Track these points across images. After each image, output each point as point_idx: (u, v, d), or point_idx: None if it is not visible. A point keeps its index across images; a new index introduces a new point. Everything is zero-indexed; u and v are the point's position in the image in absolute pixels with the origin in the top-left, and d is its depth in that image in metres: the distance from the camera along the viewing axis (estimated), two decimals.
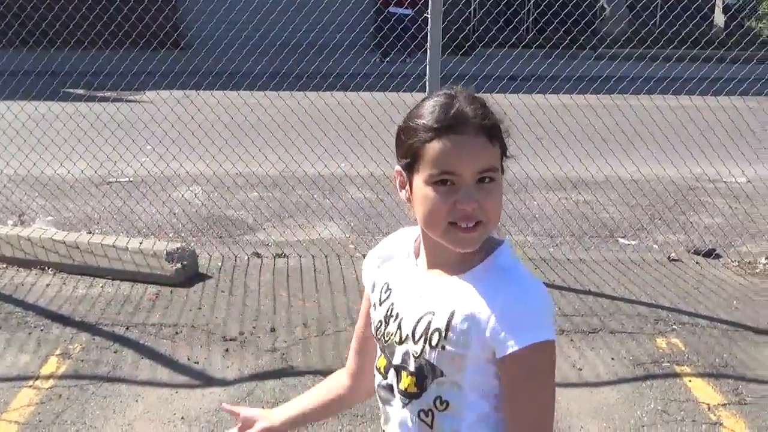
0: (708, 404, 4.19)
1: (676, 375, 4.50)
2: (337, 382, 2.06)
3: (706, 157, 7.66)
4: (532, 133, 7.68)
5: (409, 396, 1.75)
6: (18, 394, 4.18)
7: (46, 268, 5.92)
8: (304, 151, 7.82)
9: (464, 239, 1.65)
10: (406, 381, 1.75)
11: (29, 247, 6.03)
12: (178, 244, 6.01)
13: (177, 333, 4.93)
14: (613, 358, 4.67)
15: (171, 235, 6.78)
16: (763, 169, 7.50)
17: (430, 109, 1.67)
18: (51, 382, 4.32)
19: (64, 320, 5.09)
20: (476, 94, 1.71)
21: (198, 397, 4.22)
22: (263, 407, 4.07)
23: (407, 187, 1.73)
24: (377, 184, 7.60)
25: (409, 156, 1.69)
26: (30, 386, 4.27)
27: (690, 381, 4.43)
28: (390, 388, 1.80)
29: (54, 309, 5.26)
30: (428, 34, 5.54)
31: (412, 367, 1.73)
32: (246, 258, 6.26)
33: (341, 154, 7.72)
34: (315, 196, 7.77)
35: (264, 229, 7.03)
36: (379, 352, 1.85)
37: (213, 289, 5.64)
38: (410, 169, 1.70)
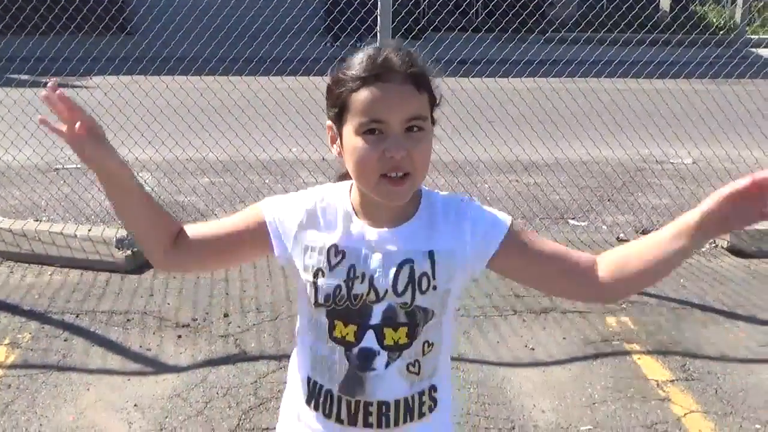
0: (657, 381, 4.26)
1: (626, 353, 4.57)
2: (178, 224, 1.86)
3: (653, 139, 7.79)
4: (483, 117, 7.74)
5: (399, 348, 1.75)
6: None
7: None
8: (255, 136, 7.77)
9: (394, 192, 1.68)
10: (395, 335, 1.74)
11: None
12: (128, 231, 5.94)
13: (128, 320, 4.88)
14: (564, 338, 4.73)
15: (120, 222, 6.68)
16: (708, 149, 7.64)
17: (358, 60, 1.69)
18: (0, 371, 4.26)
19: (12, 309, 5.00)
20: (404, 46, 1.72)
21: (151, 384, 4.18)
22: (217, 393, 4.07)
23: (338, 141, 1.74)
24: (329, 168, 7.57)
25: (338, 105, 1.70)
26: None
27: (639, 358, 4.50)
28: (367, 351, 1.76)
29: (1, 298, 5.16)
30: (378, 17, 5.53)
31: (402, 319, 1.74)
32: None
33: (292, 138, 7.69)
34: (266, 180, 7.73)
35: (215, 214, 6.97)
36: (329, 320, 1.78)
37: (165, 276, 5.57)
38: (339, 120, 1.71)
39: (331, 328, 1.77)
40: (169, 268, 1.85)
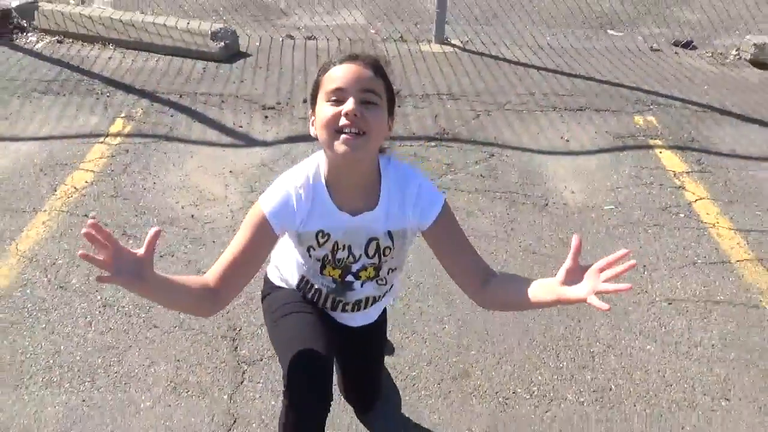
0: (674, 171, 4.22)
1: (649, 147, 4.50)
2: (203, 281, 1.75)
3: None
4: None
5: (371, 278, 1.99)
6: (92, 149, 4.23)
7: (107, 43, 5.81)
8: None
9: (348, 142, 1.68)
10: (367, 273, 1.96)
11: (90, 24, 5.88)
12: (221, 26, 5.85)
13: (223, 101, 4.91)
14: (596, 132, 4.65)
15: (214, 17, 6.59)
16: None
17: (333, 57, 1.79)
18: (119, 139, 4.36)
19: (126, 88, 5.06)
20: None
21: (243, 155, 4.26)
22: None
23: (313, 119, 1.79)
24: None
25: (314, 87, 1.78)
26: (101, 142, 4.31)
27: (660, 152, 4.44)
28: (349, 282, 1.98)
29: (117, 78, 5.21)
30: None
31: (372, 268, 1.95)
32: (280, 40, 6.11)
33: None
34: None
35: (295, 14, 6.81)
36: (320, 266, 1.95)
37: (252, 66, 5.55)
38: (314, 101, 1.78)
39: (322, 269, 1.97)
40: (219, 311, 1.80)
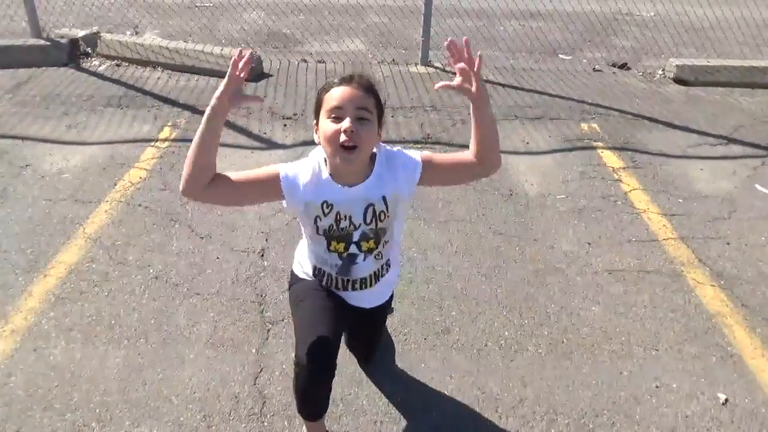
0: (612, 167, 4.18)
1: (592, 148, 4.45)
2: (216, 172, 1.78)
3: None
4: None
5: (371, 250, 1.92)
6: (144, 151, 4.17)
7: (157, 66, 5.73)
8: None
9: (345, 157, 1.70)
10: (367, 244, 1.90)
11: (143, 51, 5.79)
12: (249, 51, 5.76)
13: (250, 113, 4.85)
14: (550, 136, 4.60)
15: (243, 45, 6.50)
16: (669, 5, 7.05)
17: (333, 78, 1.78)
18: (167, 143, 4.30)
19: (172, 102, 4.98)
20: (366, 74, 1.80)
21: (266, 155, 4.21)
22: None
23: (317, 129, 1.78)
24: (389, 11, 7.19)
25: (317, 103, 1.77)
26: (152, 146, 4.25)
27: (601, 152, 4.39)
28: (352, 254, 1.91)
29: (165, 94, 5.13)
30: None
31: (371, 235, 1.89)
32: (296, 63, 6.03)
33: None
34: (345, 19, 7.38)
35: (309, 42, 6.73)
36: (326, 242, 1.89)
37: (274, 84, 5.48)
38: (318, 115, 1.76)
39: (328, 244, 1.90)
40: (198, 200, 1.79)
